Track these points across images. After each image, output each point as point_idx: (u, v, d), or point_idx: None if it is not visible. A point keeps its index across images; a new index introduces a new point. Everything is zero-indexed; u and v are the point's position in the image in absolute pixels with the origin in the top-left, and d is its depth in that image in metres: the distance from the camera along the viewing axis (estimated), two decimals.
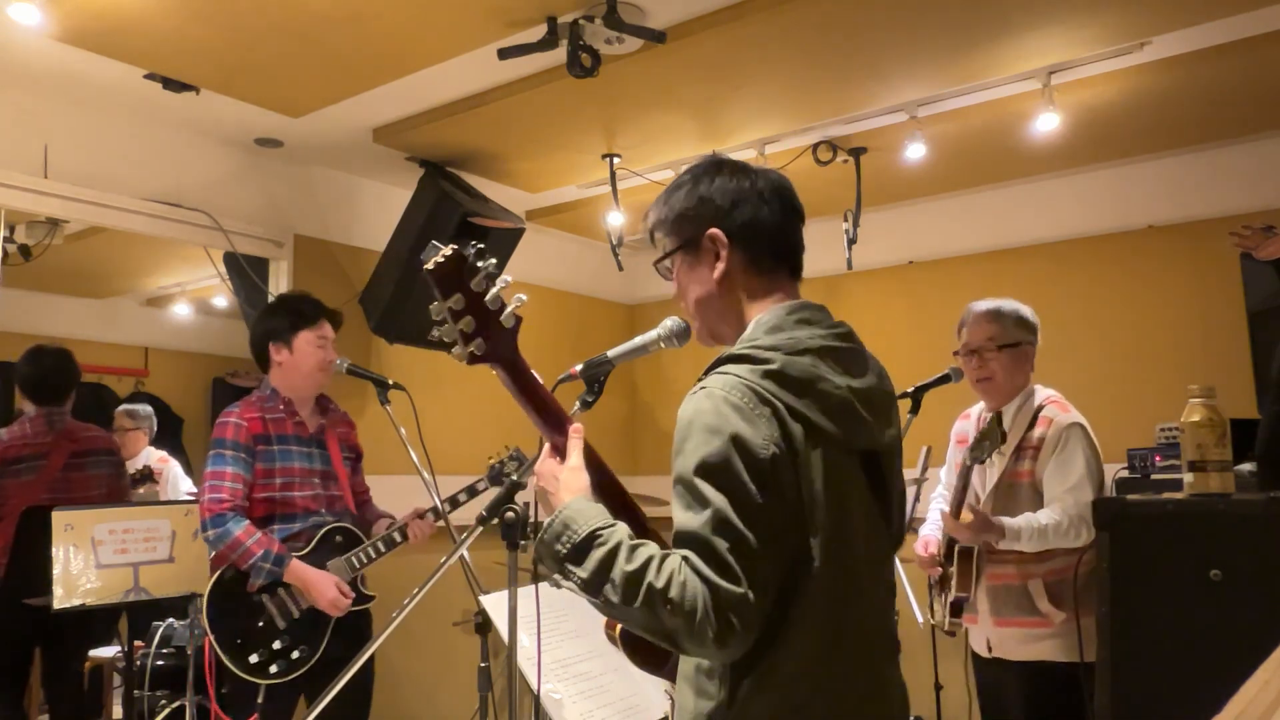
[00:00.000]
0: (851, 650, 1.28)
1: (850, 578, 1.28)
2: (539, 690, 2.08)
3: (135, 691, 3.44)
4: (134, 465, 4.65)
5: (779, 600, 1.24)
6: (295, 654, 2.75)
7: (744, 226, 1.39)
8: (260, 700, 2.70)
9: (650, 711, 2.24)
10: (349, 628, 2.86)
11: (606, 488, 1.40)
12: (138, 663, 3.53)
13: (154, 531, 3.23)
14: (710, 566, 1.17)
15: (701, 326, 1.46)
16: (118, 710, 3.95)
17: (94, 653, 3.96)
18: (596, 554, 1.21)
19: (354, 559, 2.89)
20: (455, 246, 1.29)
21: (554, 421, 1.39)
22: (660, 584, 1.16)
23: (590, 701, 2.20)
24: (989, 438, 2.46)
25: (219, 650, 2.67)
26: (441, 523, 3.01)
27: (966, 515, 2.47)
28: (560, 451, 1.39)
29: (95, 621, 3.59)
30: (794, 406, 1.25)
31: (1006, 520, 2.42)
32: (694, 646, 1.18)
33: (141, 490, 4.31)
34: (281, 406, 2.93)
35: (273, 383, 2.97)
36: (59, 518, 3.06)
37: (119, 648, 3.59)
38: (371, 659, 2.91)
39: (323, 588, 2.77)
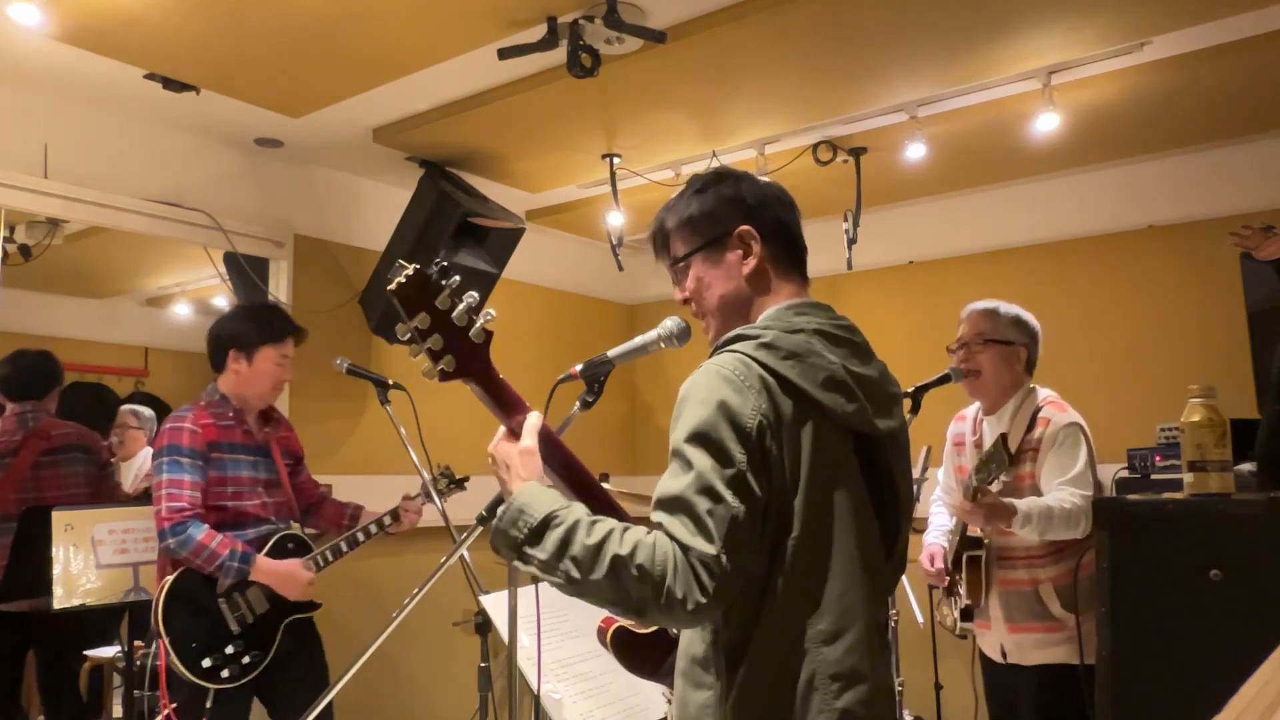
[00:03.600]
0: (835, 629, 1.28)
1: (831, 553, 1.30)
2: (539, 690, 2.08)
3: (135, 691, 3.44)
4: (133, 465, 4.64)
5: (764, 578, 1.27)
6: (246, 659, 2.76)
7: (772, 225, 1.46)
8: (209, 705, 2.69)
9: (650, 712, 2.24)
10: (298, 631, 2.90)
11: (574, 476, 1.42)
12: (138, 663, 3.53)
13: (154, 532, 3.22)
14: (686, 527, 1.20)
15: (722, 325, 1.47)
16: (118, 710, 3.95)
17: (94, 653, 3.95)
18: (555, 534, 1.24)
19: (309, 564, 2.90)
20: (418, 266, 1.29)
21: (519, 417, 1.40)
22: (625, 552, 1.19)
23: (590, 701, 2.20)
24: (995, 460, 2.41)
25: (172, 654, 2.66)
26: (428, 510, 3.05)
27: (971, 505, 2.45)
28: (516, 435, 1.39)
29: (90, 623, 3.57)
30: (785, 376, 1.29)
31: (1016, 501, 2.41)
32: (662, 613, 1.19)
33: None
34: (231, 415, 2.91)
35: (222, 388, 2.93)
36: (59, 518, 3.06)
37: (119, 648, 3.58)
38: (323, 656, 3.01)
39: (292, 578, 2.81)
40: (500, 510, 1.29)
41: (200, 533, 2.69)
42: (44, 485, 3.55)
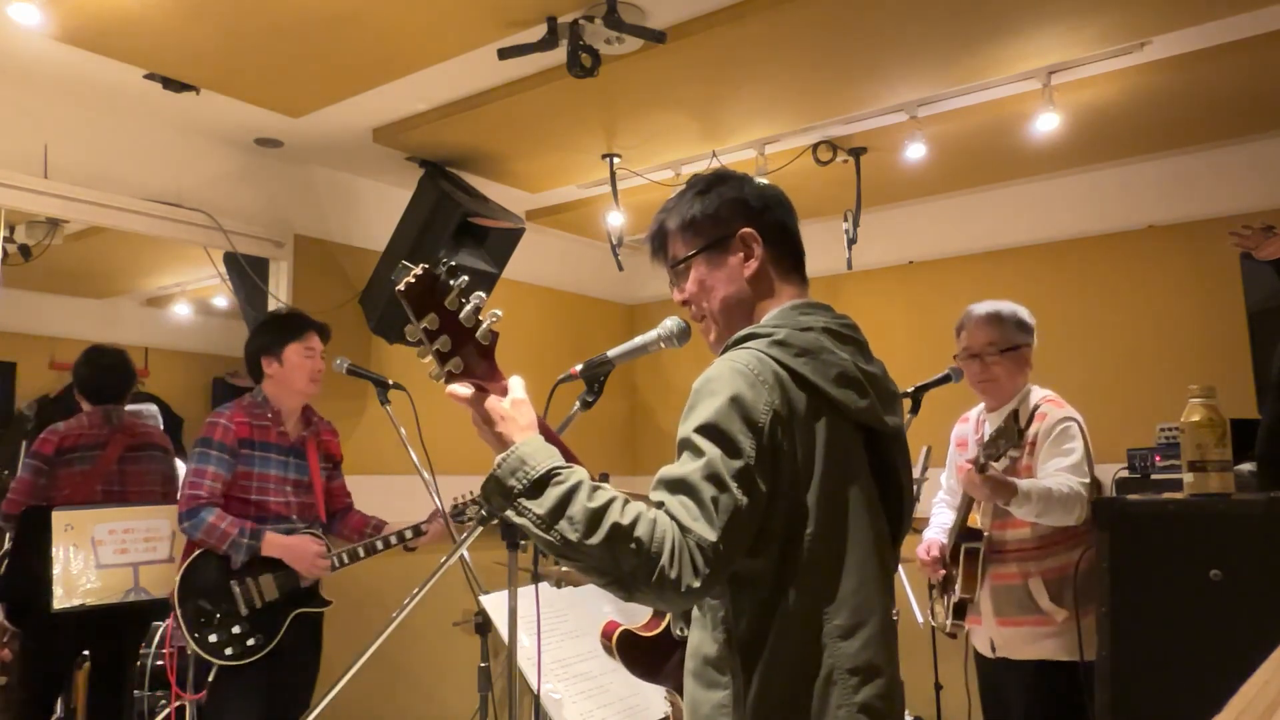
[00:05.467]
0: (852, 623, 1.28)
1: (846, 547, 1.30)
2: (539, 690, 2.09)
3: (135, 691, 3.45)
4: None
5: (777, 573, 1.27)
6: (251, 641, 2.88)
7: (774, 227, 1.46)
8: (211, 679, 2.84)
9: (650, 711, 2.25)
10: (306, 626, 3.02)
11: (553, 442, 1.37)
12: (138, 663, 3.53)
13: (154, 531, 3.24)
14: (689, 510, 1.19)
15: (723, 328, 1.46)
16: None
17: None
18: (555, 490, 1.19)
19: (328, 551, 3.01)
20: (426, 266, 1.26)
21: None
22: (625, 521, 1.16)
23: (590, 701, 2.20)
24: (1005, 436, 2.41)
25: (182, 625, 2.82)
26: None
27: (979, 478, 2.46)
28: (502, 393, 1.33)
29: (144, 622, 3.58)
30: (800, 372, 1.29)
31: (1018, 480, 2.43)
32: (648, 590, 1.17)
33: None
34: (269, 415, 3.06)
35: (265, 391, 3.10)
36: (59, 518, 3.07)
37: None
38: (318, 662, 3.11)
39: (301, 549, 2.95)
40: (499, 459, 1.24)
41: (211, 515, 2.86)
42: (129, 480, 3.58)
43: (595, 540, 1.16)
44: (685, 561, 1.16)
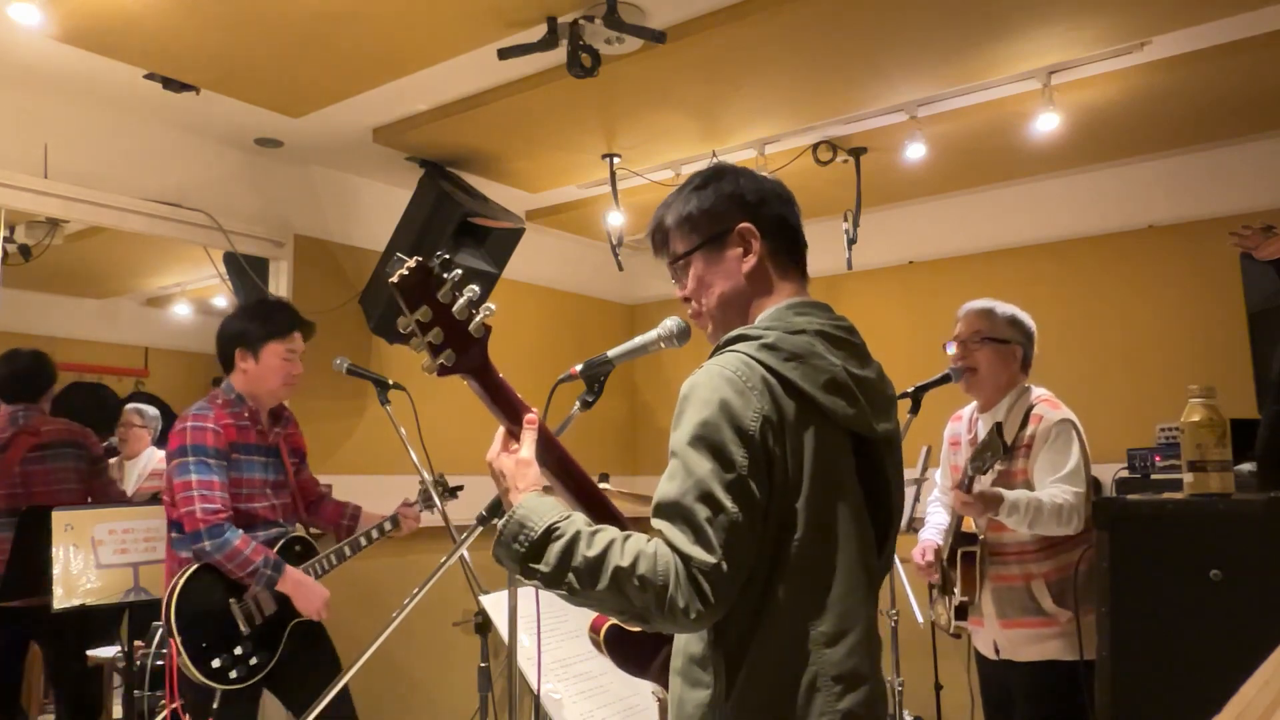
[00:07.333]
0: (838, 630, 1.28)
1: (833, 554, 1.30)
2: (539, 690, 2.09)
3: (135, 691, 3.44)
4: (137, 464, 4.65)
5: (766, 579, 1.26)
6: (254, 660, 2.76)
7: (772, 221, 1.45)
8: (216, 705, 2.69)
9: (650, 712, 2.24)
10: (303, 631, 2.90)
11: (568, 474, 1.40)
12: (138, 663, 3.52)
13: (154, 531, 3.23)
14: (685, 536, 1.20)
15: (720, 323, 1.46)
16: (118, 710, 3.95)
17: (94, 653, 3.94)
18: (555, 547, 1.22)
19: (314, 567, 2.91)
20: (420, 259, 1.27)
21: (518, 418, 1.37)
22: (626, 563, 1.19)
23: (590, 701, 2.20)
24: (990, 449, 2.42)
25: (183, 654, 2.65)
26: (427, 513, 3.07)
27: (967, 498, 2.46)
28: (515, 439, 1.37)
29: (93, 618, 3.56)
30: (787, 377, 1.28)
31: (1005, 491, 2.43)
32: (665, 621, 1.20)
33: None
34: (247, 414, 2.88)
35: (236, 387, 2.91)
36: (59, 518, 3.07)
37: (119, 647, 3.58)
38: (331, 645, 3.00)
39: (315, 595, 2.82)
40: (501, 524, 1.28)
41: (236, 538, 2.70)
42: (34, 481, 3.55)
43: (601, 586, 1.19)
44: (691, 590, 1.17)
